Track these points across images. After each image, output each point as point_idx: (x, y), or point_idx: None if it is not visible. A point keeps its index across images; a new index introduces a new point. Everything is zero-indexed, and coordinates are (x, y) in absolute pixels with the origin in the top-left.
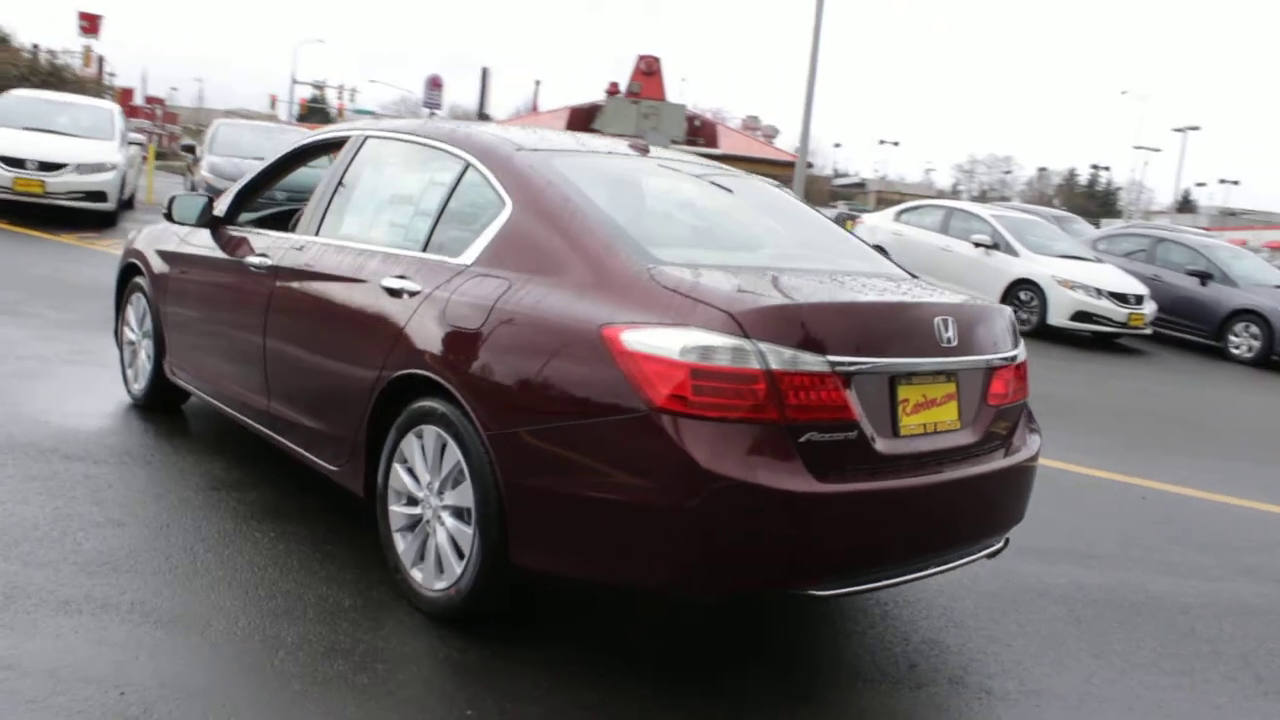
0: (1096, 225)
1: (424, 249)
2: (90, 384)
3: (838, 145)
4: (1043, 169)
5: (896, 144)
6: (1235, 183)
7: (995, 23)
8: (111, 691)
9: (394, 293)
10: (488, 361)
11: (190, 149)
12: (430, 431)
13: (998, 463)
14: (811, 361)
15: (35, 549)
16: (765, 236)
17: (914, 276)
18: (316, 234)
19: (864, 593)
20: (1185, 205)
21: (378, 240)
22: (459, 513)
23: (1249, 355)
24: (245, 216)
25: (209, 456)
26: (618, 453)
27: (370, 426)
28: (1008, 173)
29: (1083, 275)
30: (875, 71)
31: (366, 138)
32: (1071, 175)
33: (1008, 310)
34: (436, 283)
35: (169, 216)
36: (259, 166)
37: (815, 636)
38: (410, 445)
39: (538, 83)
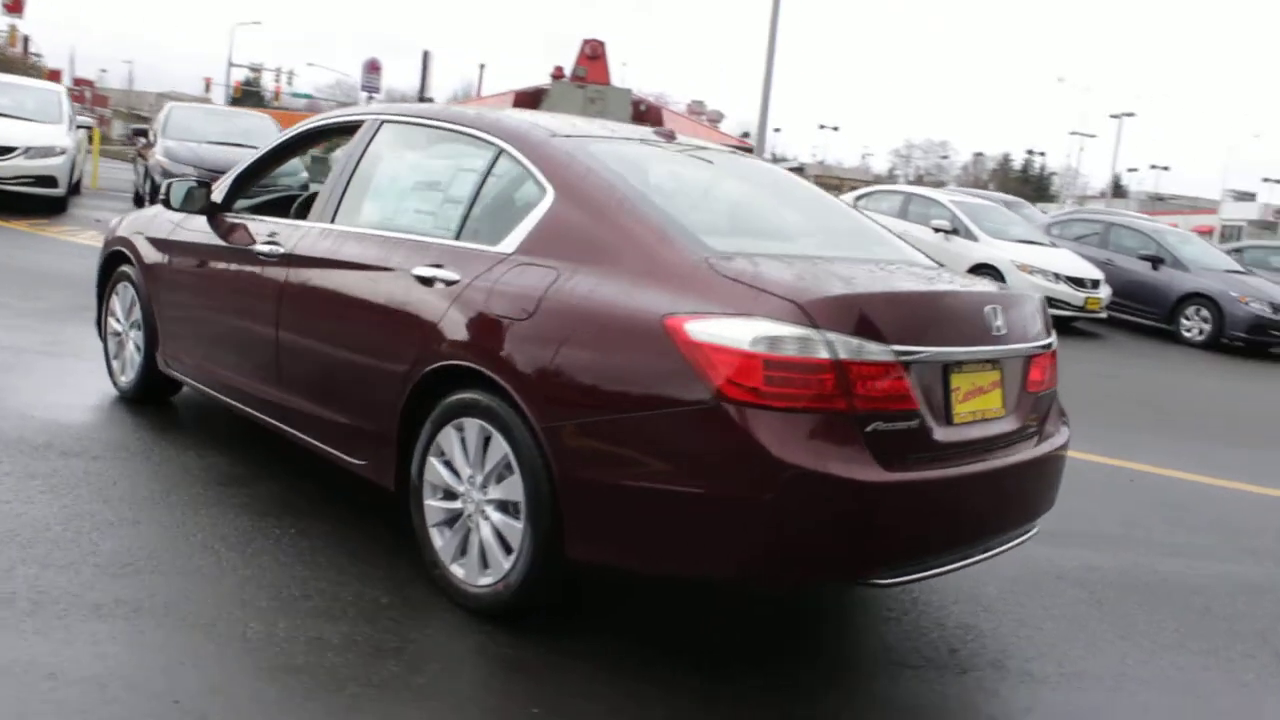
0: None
1: (456, 237)
2: (70, 375)
3: (778, 130)
4: (979, 154)
5: (836, 129)
6: (1165, 168)
7: (935, 9)
8: (165, 700)
9: (426, 281)
10: (539, 353)
11: (142, 133)
12: (472, 424)
13: (1035, 450)
14: (877, 351)
15: (52, 551)
16: (802, 225)
17: (940, 265)
18: (333, 221)
19: (921, 580)
20: (1117, 190)
21: (403, 228)
22: (505, 506)
23: (1200, 338)
24: (241, 203)
25: (209, 450)
26: (684, 443)
27: (403, 420)
28: (945, 157)
29: (1040, 260)
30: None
31: (383, 122)
32: (1006, 160)
33: (1041, 297)
34: (476, 272)
35: (166, 203)
36: (259, 151)
37: (851, 624)
38: (448, 438)
39: (482, 66)
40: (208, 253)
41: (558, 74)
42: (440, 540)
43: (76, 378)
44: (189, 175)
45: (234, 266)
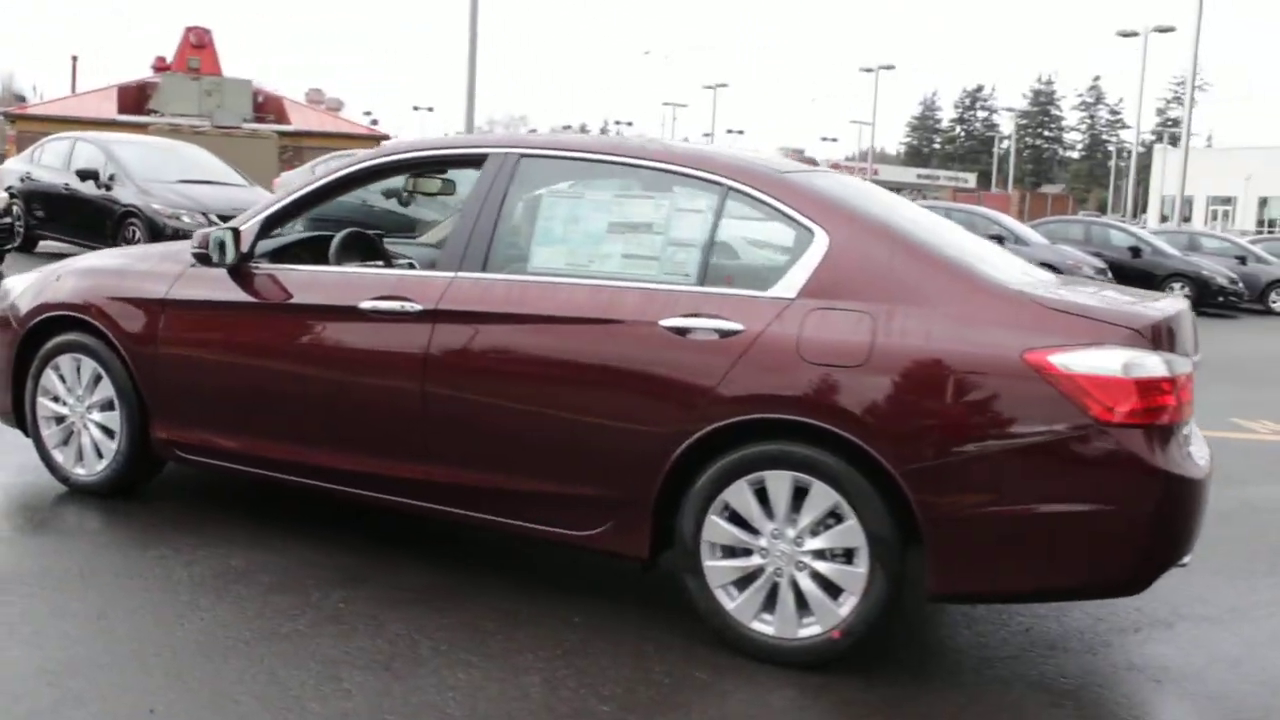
0: None
1: (700, 283)
2: None
3: (368, 113)
4: (567, 126)
5: (431, 109)
6: (740, 132)
7: None
8: None
9: (681, 332)
10: (884, 399)
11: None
12: (779, 477)
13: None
14: (1184, 365)
15: None
16: (978, 249)
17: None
18: (483, 269)
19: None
20: None
21: (610, 275)
22: (827, 555)
23: None
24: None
25: (246, 551)
26: (1060, 468)
27: (666, 481)
28: (533, 130)
29: None
30: (413, 35)
31: (521, 156)
32: (583, 130)
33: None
34: (763, 320)
35: (207, 259)
36: (299, 188)
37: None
38: (740, 495)
39: (74, 58)
40: (260, 312)
41: (161, 65)
42: (731, 600)
43: None
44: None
45: (322, 327)
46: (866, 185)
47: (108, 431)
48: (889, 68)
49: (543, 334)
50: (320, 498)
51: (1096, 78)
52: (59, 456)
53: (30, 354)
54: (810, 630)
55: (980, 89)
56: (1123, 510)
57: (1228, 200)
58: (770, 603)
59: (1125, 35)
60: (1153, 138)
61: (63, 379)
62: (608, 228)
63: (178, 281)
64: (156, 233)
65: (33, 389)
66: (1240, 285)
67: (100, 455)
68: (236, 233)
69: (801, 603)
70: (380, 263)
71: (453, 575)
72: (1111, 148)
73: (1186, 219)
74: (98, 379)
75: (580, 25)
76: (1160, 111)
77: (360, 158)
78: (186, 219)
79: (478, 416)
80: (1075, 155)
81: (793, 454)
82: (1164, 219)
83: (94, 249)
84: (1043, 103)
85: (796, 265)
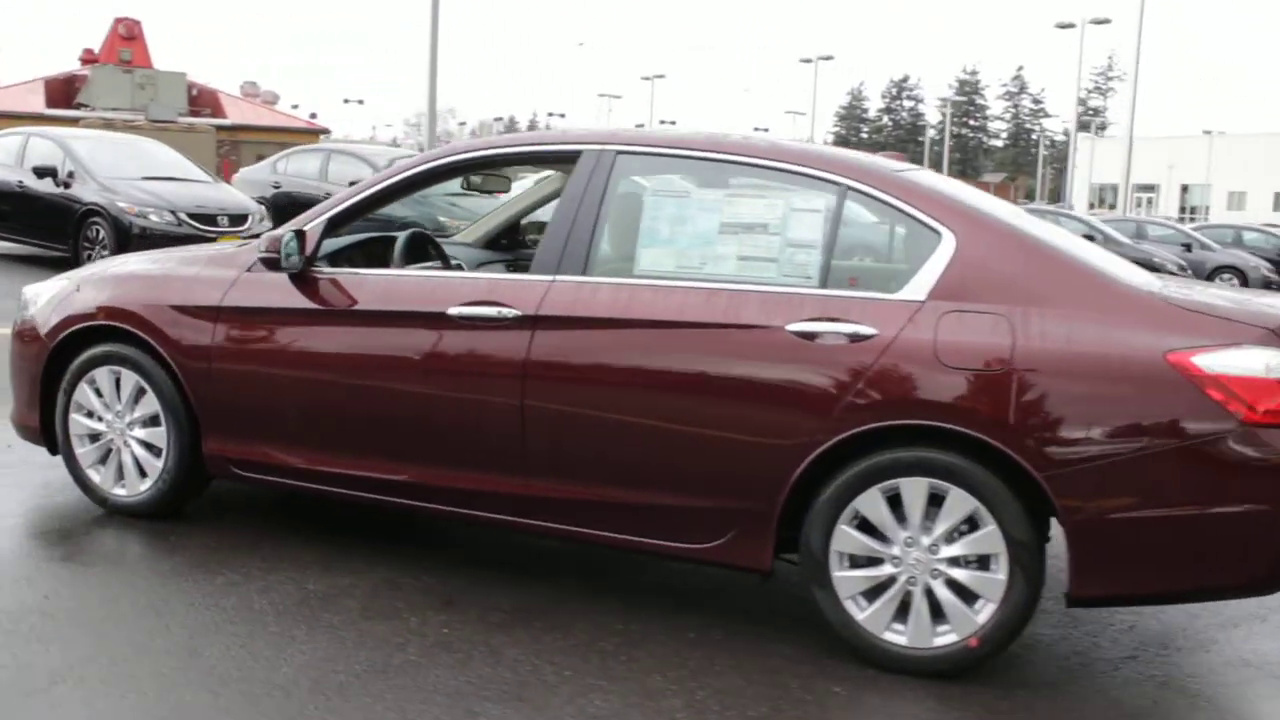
0: None
1: (822, 286)
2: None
3: (295, 106)
4: (499, 118)
5: (361, 102)
6: (673, 122)
7: None
8: None
9: (808, 337)
10: (1027, 402)
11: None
12: (914, 484)
13: None
14: None
15: None
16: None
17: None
18: (584, 272)
19: None
20: None
21: (725, 277)
22: (963, 561)
23: None
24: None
25: (334, 570)
26: (1206, 469)
27: (793, 491)
28: (463, 123)
29: None
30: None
31: (618, 153)
32: (513, 122)
33: None
34: (896, 324)
35: (275, 264)
36: (367, 186)
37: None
38: (872, 503)
39: None
40: (332, 320)
41: (89, 57)
42: (861, 611)
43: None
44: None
45: (405, 335)
46: (964, 184)
47: (152, 449)
48: (828, 58)
49: (655, 340)
50: (368, 512)
51: (1020, 68)
52: (95, 476)
53: (60, 367)
54: (945, 639)
55: (906, 79)
56: (1267, 508)
57: (1151, 188)
58: (902, 612)
59: (1063, 27)
60: (1075, 126)
61: (99, 393)
62: (719, 228)
63: (233, 287)
64: (122, 232)
65: (64, 404)
66: (1189, 272)
67: (144, 474)
68: (301, 234)
69: (936, 611)
70: (437, 263)
71: (543, 593)
72: (1035, 136)
73: (1111, 206)
74: (140, 393)
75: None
76: (1082, 101)
77: (437, 154)
78: (154, 217)
79: (582, 428)
80: (1000, 144)
81: (931, 460)
82: (1092, 206)
83: (52, 249)
84: (968, 92)
85: (924, 267)
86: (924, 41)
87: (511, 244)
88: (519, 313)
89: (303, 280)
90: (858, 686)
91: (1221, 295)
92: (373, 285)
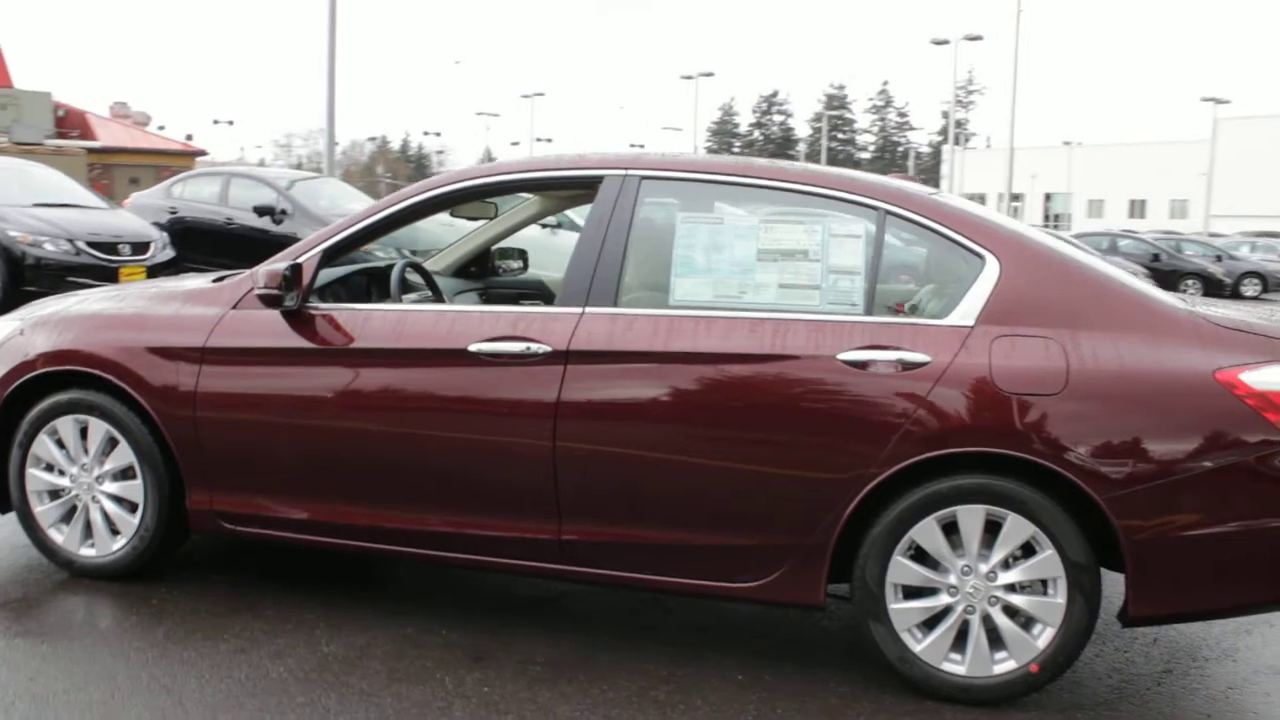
0: None
1: (868, 312)
2: None
3: (162, 127)
4: (372, 137)
5: (231, 123)
6: (549, 140)
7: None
8: None
9: (861, 365)
10: (1085, 426)
11: None
12: (971, 512)
13: None
14: None
15: None
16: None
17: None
18: (615, 304)
19: None
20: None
21: (764, 306)
22: (1020, 587)
23: None
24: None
25: (337, 636)
26: (1260, 484)
27: (848, 523)
28: (335, 143)
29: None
30: (200, 48)
31: (643, 178)
32: (385, 141)
33: None
34: (949, 350)
35: (277, 300)
36: (369, 214)
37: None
38: (928, 533)
39: None
40: (335, 359)
41: None
42: (918, 642)
43: None
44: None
45: (420, 374)
46: (986, 207)
47: (126, 504)
48: (709, 75)
49: (698, 373)
50: (355, 561)
51: (885, 82)
52: (57, 537)
53: (10, 419)
54: (1005, 666)
55: (775, 94)
56: None
57: (1017, 197)
58: (959, 642)
59: (938, 43)
60: (939, 138)
61: (61, 445)
62: (757, 255)
63: (219, 326)
64: (14, 263)
65: (20, 459)
66: None
67: (116, 532)
68: (297, 268)
69: (994, 639)
70: (428, 295)
71: (573, 641)
72: (902, 148)
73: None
74: (112, 443)
75: (385, 34)
76: (945, 115)
77: (443, 180)
78: (50, 246)
79: (620, 467)
80: (868, 156)
81: (989, 487)
82: None
83: None
84: (836, 106)
85: (970, 291)
86: (791, 58)
87: (482, 272)
88: (549, 348)
89: (298, 317)
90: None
91: (1245, 312)
92: (380, 322)
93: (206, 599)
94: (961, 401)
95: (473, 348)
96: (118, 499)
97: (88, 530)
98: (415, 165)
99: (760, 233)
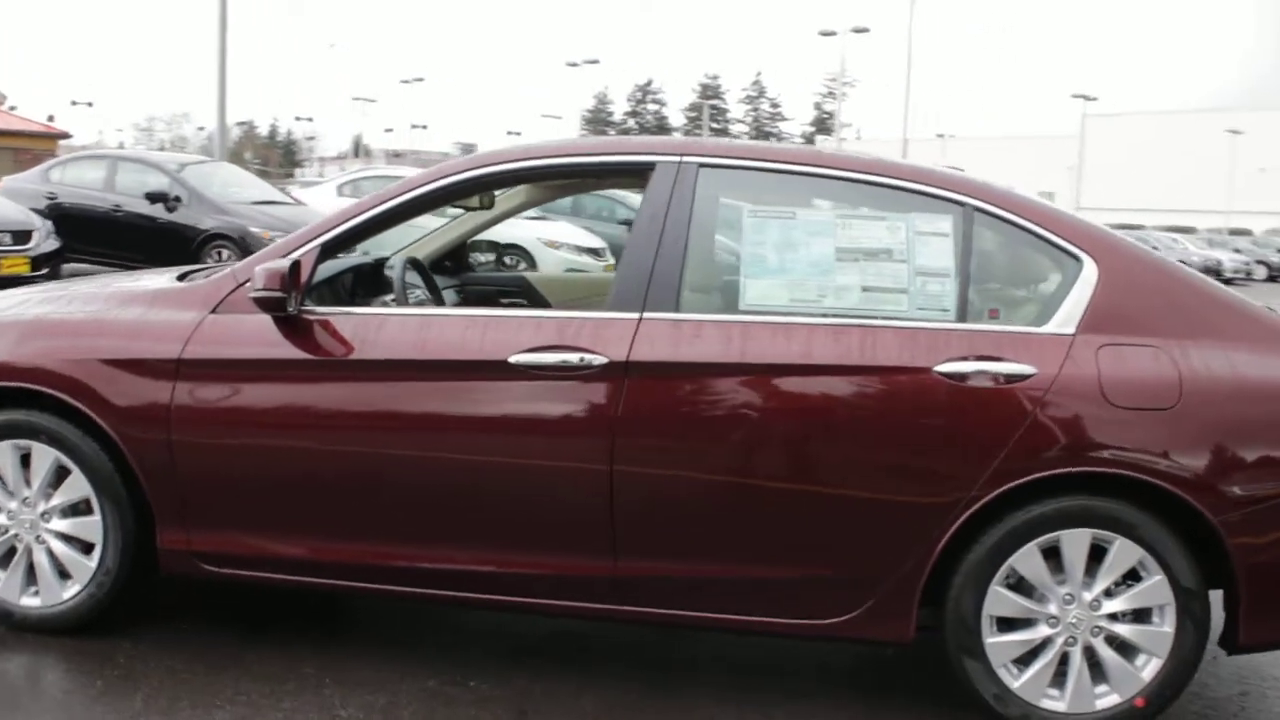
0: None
1: (960, 319)
2: None
3: (14, 108)
4: (241, 122)
5: (90, 104)
6: (424, 127)
7: None
8: None
9: (959, 378)
10: (1202, 440)
11: None
12: (1075, 536)
13: None
14: None
15: None
16: None
17: None
18: (677, 309)
19: None
20: (358, 151)
21: (846, 311)
22: (1123, 616)
23: None
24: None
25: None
26: None
27: (944, 552)
28: (201, 128)
29: (557, 234)
30: (56, 25)
31: (700, 166)
32: (252, 126)
33: None
34: (1055, 360)
35: (279, 304)
36: (375, 203)
37: None
38: (1029, 561)
39: None
40: (343, 372)
41: None
42: (1014, 679)
43: None
44: None
45: (449, 390)
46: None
47: (78, 544)
48: (594, 62)
49: (777, 387)
50: (334, 601)
51: (759, 73)
52: (7, 583)
53: None
54: (1107, 700)
55: (650, 83)
56: None
57: None
58: (1059, 676)
59: (825, 35)
60: (811, 129)
61: (7, 473)
62: (835, 255)
63: (197, 334)
64: None
65: None
66: None
67: (66, 577)
68: (296, 265)
69: (1096, 672)
70: (427, 295)
71: (614, 687)
72: (774, 138)
73: None
74: (61, 473)
75: (254, 16)
76: (817, 106)
77: (463, 164)
78: None
79: (687, 494)
80: None
81: (1096, 509)
82: None
83: None
84: (709, 96)
85: (1068, 296)
86: (666, 47)
87: (457, 267)
88: (606, 359)
89: (295, 323)
90: None
91: None
92: (398, 328)
93: (182, 655)
94: (1071, 418)
95: (514, 359)
96: (67, 538)
97: (30, 576)
98: (284, 151)
99: (838, 230)
